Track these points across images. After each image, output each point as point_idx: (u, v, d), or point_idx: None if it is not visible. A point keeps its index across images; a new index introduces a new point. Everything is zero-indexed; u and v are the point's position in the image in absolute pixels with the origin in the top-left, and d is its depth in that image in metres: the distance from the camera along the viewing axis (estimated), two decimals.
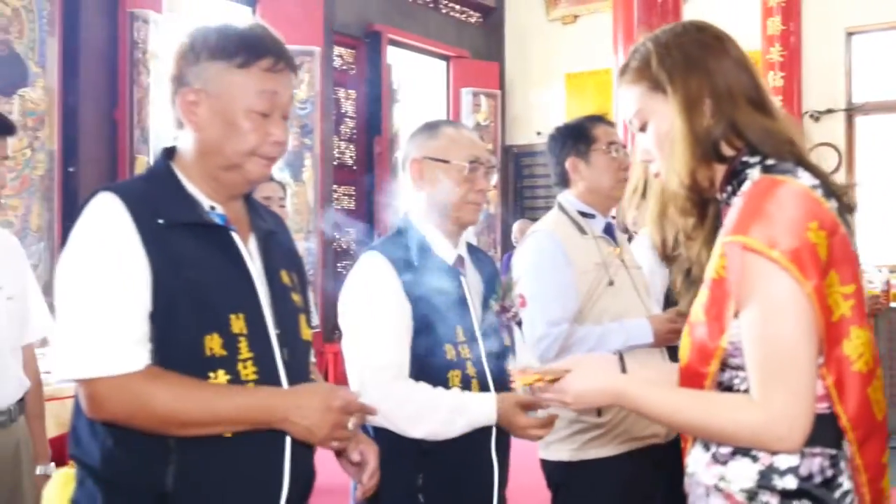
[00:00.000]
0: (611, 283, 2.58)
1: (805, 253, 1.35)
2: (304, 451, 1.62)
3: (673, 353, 2.32)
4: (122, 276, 1.47)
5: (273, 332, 1.59)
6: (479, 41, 9.42)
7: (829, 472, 1.42)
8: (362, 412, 1.67)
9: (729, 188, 1.51)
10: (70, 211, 5.23)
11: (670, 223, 1.60)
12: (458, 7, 9.23)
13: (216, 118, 1.56)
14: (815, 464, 1.41)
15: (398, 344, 2.02)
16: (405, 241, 2.13)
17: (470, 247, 2.28)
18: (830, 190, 1.45)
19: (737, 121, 1.49)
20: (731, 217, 1.45)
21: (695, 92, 1.49)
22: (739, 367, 1.45)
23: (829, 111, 8.04)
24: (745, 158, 1.49)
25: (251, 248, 1.64)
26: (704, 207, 1.57)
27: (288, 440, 1.57)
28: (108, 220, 1.50)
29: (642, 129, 1.58)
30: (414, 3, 8.66)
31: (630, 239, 3.30)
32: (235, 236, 1.60)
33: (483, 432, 2.07)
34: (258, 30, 1.61)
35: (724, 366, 1.47)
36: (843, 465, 1.43)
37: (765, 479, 1.42)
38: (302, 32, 6.73)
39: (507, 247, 8.34)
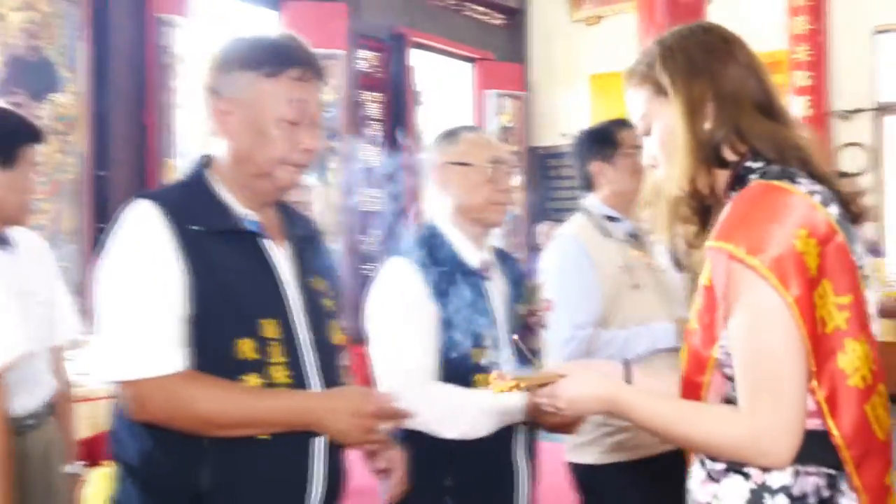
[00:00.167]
0: (635, 287, 2.58)
1: (788, 262, 1.31)
2: (336, 453, 1.66)
3: None
4: (160, 281, 1.51)
5: (305, 337, 1.62)
6: (504, 43, 9.42)
7: (826, 493, 1.35)
8: (397, 417, 1.69)
9: (732, 193, 1.47)
10: (100, 214, 5.30)
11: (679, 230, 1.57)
12: (481, 9, 9.24)
13: (247, 127, 1.60)
14: (810, 483, 1.35)
15: (425, 348, 2.04)
16: (431, 246, 2.15)
17: (496, 250, 2.30)
18: (833, 197, 1.40)
19: (741, 125, 1.45)
20: (718, 221, 1.42)
21: (697, 95, 1.46)
22: (733, 378, 1.40)
23: (858, 111, 7.96)
24: (748, 163, 1.46)
25: (284, 254, 1.67)
26: (707, 214, 1.53)
27: (320, 442, 1.61)
28: (145, 226, 1.54)
29: (647, 133, 1.56)
30: (438, 6, 8.68)
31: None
32: (268, 243, 1.64)
33: (511, 435, 2.08)
34: (287, 40, 1.65)
35: (726, 377, 1.42)
36: (844, 486, 1.36)
37: (756, 498, 1.37)
38: (327, 36, 6.77)
39: (533, 249, 8.33)
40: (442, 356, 2.04)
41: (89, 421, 3.47)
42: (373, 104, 8.10)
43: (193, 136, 5.90)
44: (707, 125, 1.46)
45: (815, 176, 1.42)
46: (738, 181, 1.46)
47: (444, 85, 9.07)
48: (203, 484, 1.52)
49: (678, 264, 1.53)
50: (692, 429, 1.40)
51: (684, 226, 1.53)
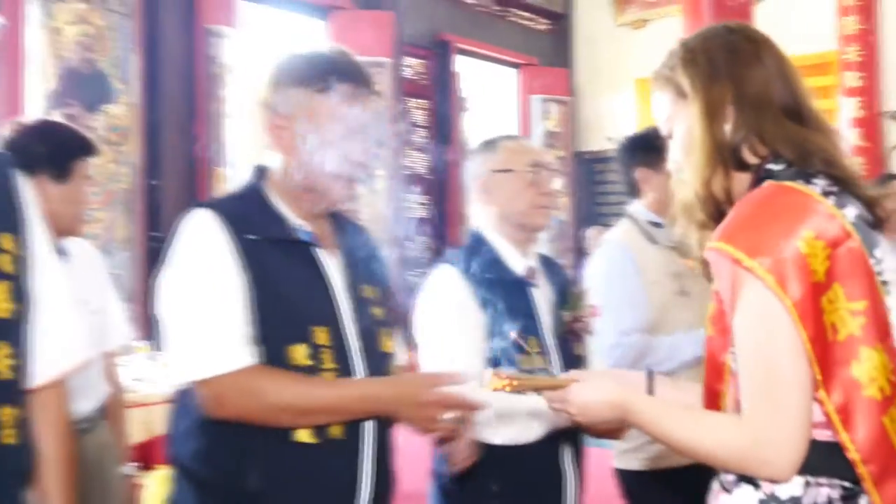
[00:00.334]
0: (682, 294, 2.57)
1: (789, 264, 1.26)
2: (385, 457, 1.69)
3: None
4: (224, 283, 1.57)
5: (354, 345, 1.66)
6: (548, 48, 9.41)
7: None
8: (463, 407, 1.69)
9: None
10: (152, 222, 5.40)
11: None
12: (526, 14, 9.23)
13: (300, 142, 1.65)
14: (822, 495, 1.30)
15: (472, 354, 2.05)
16: (477, 254, 2.18)
17: (541, 257, 2.31)
18: (853, 199, 1.35)
19: (762, 129, 1.41)
20: (723, 221, 1.38)
21: (716, 98, 1.42)
22: None
23: None
24: (769, 166, 1.41)
25: (335, 263, 1.71)
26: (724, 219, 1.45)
27: (368, 446, 1.64)
28: (205, 233, 1.60)
29: (671, 136, 1.52)
30: (482, 12, 8.70)
31: None
32: (320, 253, 1.69)
33: (559, 440, 2.09)
34: (338, 55, 1.70)
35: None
36: (862, 501, 1.30)
37: None
38: (372, 44, 6.82)
39: (581, 254, 8.30)
40: (488, 363, 2.06)
41: (143, 426, 3.55)
42: (418, 111, 8.14)
43: (242, 145, 5.99)
44: (727, 127, 1.42)
45: (838, 178, 1.38)
46: (758, 184, 1.41)
47: (488, 91, 9.08)
48: (253, 485, 1.56)
49: (707, 274, 1.46)
50: (696, 437, 1.37)
51: (701, 231, 1.47)
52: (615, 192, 9.09)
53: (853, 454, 1.28)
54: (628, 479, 2.61)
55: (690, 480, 2.51)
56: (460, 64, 8.38)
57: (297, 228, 1.68)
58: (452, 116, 8.15)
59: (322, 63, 1.66)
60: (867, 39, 7.53)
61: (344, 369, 1.63)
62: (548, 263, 2.34)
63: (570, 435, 2.12)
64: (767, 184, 1.38)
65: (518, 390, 1.58)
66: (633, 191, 2.73)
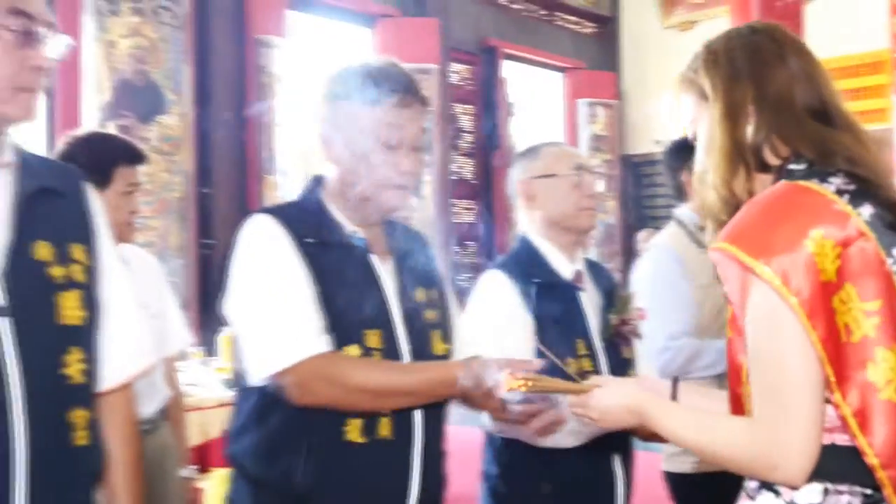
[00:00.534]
0: None
1: (795, 263, 1.23)
2: (434, 458, 1.73)
3: None
4: (294, 277, 1.62)
5: (405, 348, 1.70)
6: (595, 52, 9.38)
7: None
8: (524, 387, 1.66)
9: None
10: (205, 230, 5.50)
11: None
12: (572, 18, 9.21)
13: (350, 153, 1.70)
14: (842, 502, 1.28)
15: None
16: (524, 259, 2.20)
17: (588, 262, 2.33)
18: (872, 199, 1.32)
19: (783, 129, 1.39)
20: (730, 221, 1.37)
21: (738, 99, 1.41)
22: None
23: None
24: (790, 167, 1.39)
25: (388, 268, 1.75)
26: None
27: (418, 447, 1.68)
28: (269, 233, 1.66)
29: (696, 138, 1.51)
30: (528, 17, 8.70)
31: None
32: (373, 258, 1.73)
33: (609, 442, 2.10)
34: (388, 67, 1.73)
35: None
36: None
37: None
38: (419, 51, 6.87)
39: (631, 257, 8.25)
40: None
41: (200, 428, 3.63)
42: (465, 116, 8.17)
43: (291, 153, 6.07)
44: (748, 128, 1.41)
45: (861, 178, 1.34)
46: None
47: (535, 95, 9.08)
48: (305, 484, 1.61)
49: None
50: (711, 441, 1.36)
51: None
52: (663, 195, 9.03)
53: (871, 459, 1.25)
54: (677, 482, 2.61)
55: (738, 482, 2.51)
56: (507, 69, 8.39)
57: (351, 235, 1.72)
58: (499, 121, 8.16)
59: (371, 75, 1.70)
60: None
61: None
62: (594, 267, 2.35)
63: (620, 438, 2.13)
64: (780, 183, 1.37)
65: (533, 391, 1.59)
66: (680, 194, 2.73)
